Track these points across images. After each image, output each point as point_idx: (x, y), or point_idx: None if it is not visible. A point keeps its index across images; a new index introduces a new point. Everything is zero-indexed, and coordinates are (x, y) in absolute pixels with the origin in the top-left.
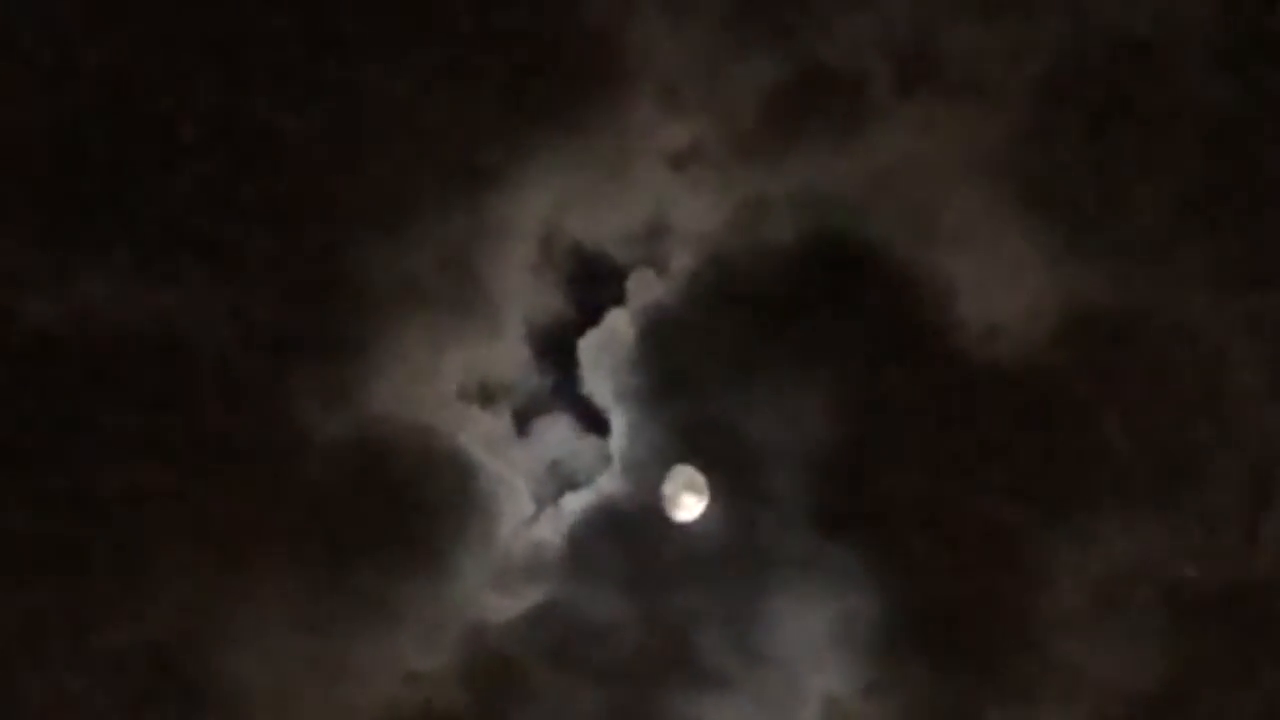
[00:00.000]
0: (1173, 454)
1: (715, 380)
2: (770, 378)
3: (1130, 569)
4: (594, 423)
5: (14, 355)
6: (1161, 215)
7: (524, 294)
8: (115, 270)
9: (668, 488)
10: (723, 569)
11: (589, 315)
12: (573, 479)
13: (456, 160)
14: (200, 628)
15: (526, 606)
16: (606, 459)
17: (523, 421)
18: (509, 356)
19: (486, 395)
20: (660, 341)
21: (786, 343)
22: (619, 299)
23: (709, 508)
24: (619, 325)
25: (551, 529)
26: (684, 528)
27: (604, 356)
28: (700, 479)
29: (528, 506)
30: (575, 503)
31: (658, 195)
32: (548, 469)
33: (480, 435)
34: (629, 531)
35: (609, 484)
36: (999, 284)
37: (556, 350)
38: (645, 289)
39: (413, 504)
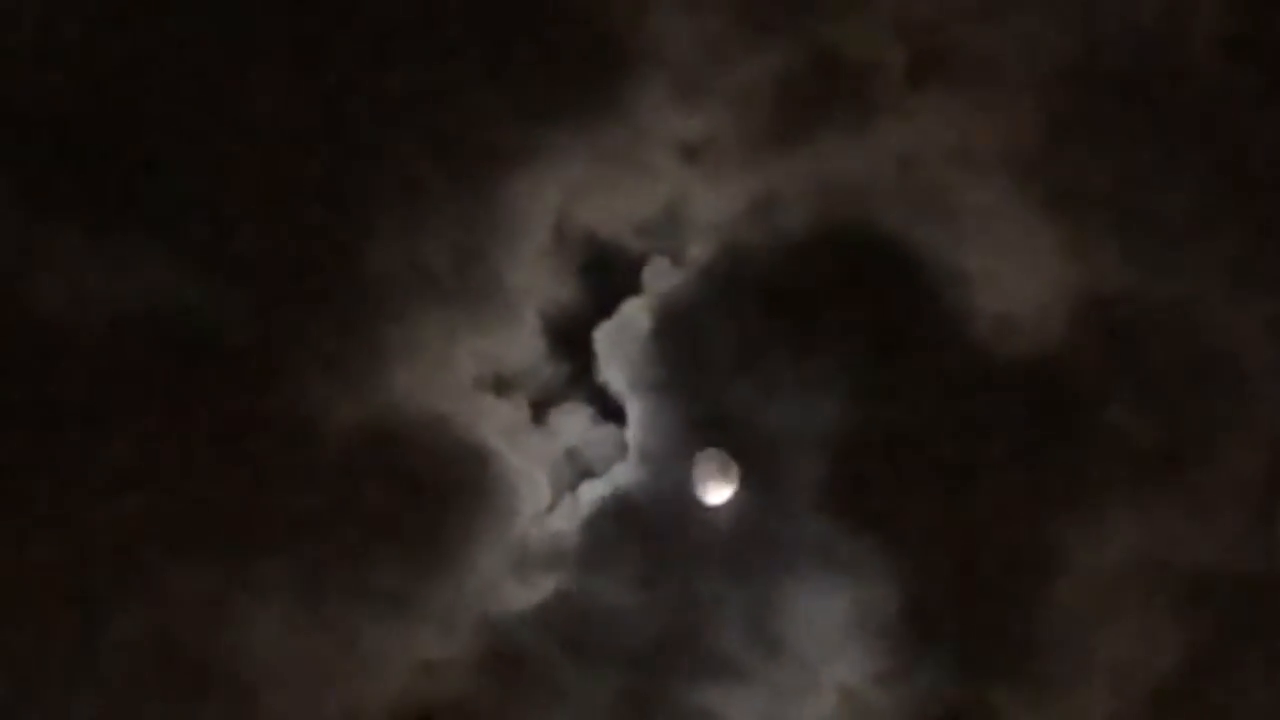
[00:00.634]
0: (1186, 443)
1: (730, 370)
2: (784, 367)
3: (1144, 556)
4: (610, 412)
5: (26, 340)
6: (1176, 206)
7: (539, 284)
8: (131, 260)
9: (698, 471)
10: (738, 558)
11: (604, 305)
12: (589, 468)
13: (471, 151)
14: (215, 615)
15: (543, 596)
16: (623, 448)
17: (539, 411)
18: (525, 346)
19: (502, 385)
20: (675, 331)
21: (801, 332)
22: (634, 288)
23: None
24: (634, 315)
25: (568, 518)
26: (699, 517)
27: (619, 346)
28: (731, 463)
29: (544, 496)
30: (592, 492)
31: (672, 185)
32: (564, 458)
33: (497, 425)
34: (645, 520)
35: (625, 473)
36: (1013, 274)
37: (572, 340)
38: (660, 279)
39: (429, 493)
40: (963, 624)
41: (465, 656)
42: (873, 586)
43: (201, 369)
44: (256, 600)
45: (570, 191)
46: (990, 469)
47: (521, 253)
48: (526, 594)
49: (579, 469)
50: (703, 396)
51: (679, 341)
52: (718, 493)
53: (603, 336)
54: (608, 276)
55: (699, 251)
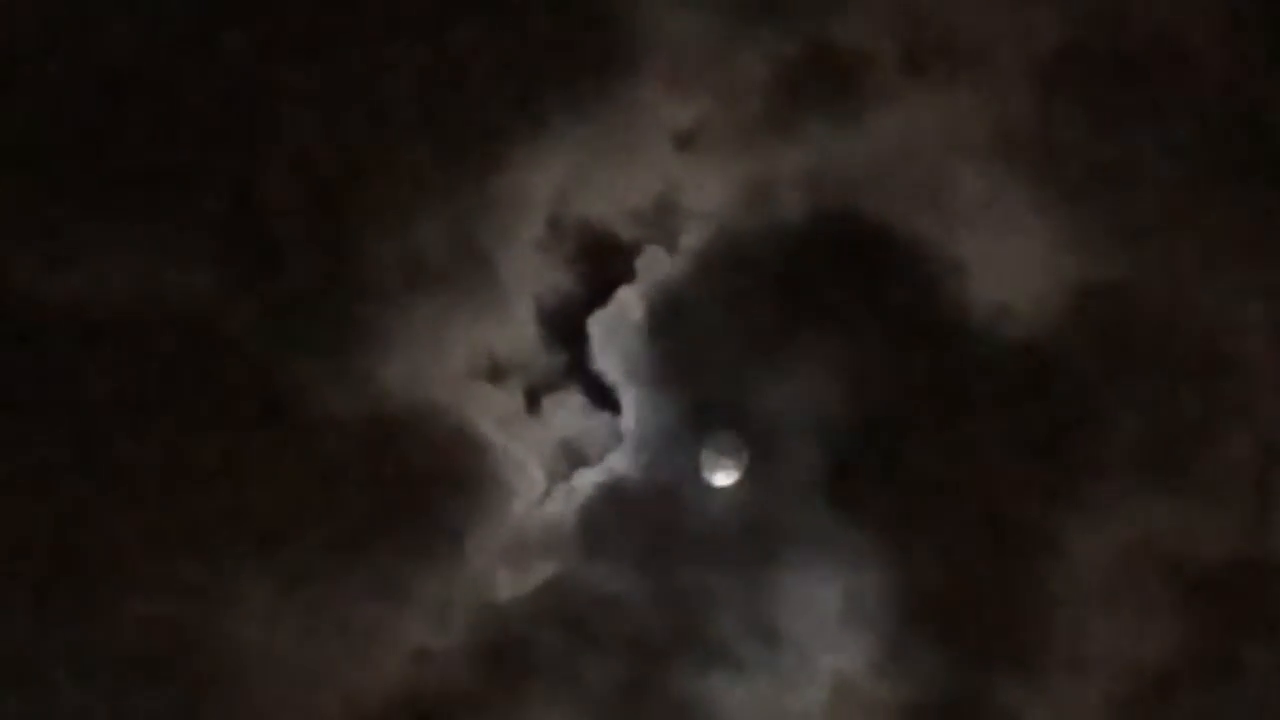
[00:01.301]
0: (1182, 432)
1: (724, 358)
2: (778, 355)
3: (1139, 545)
4: (605, 400)
5: (10, 330)
6: (1171, 194)
7: (533, 272)
8: (133, 250)
9: (705, 453)
10: (733, 546)
11: (598, 293)
12: (584, 456)
13: (465, 140)
14: (211, 602)
15: (538, 583)
16: (617, 436)
17: (534, 399)
18: (519, 334)
19: (497, 373)
20: (669, 319)
21: (794, 320)
22: (629, 277)
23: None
24: (629, 303)
25: (563, 506)
26: (694, 506)
27: (614, 334)
28: (742, 445)
29: (539, 484)
30: (586, 480)
31: (666, 173)
32: (559, 446)
33: (491, 413)
34: (640, 509)
35: (620, 461)
36: (1008, 262)
37: (566, 328)
38: (655, 267)
39: (425, 481)
40: (959, 613)
41: (460, 645)
42: (868, 575)
43: (195, 358)
44: (251, 589)
45: (565, 180)
46: (986, 457)
47: (516, 241)
48: (521, 582)
49: (573, 457)
50: (697, 384)
51: (673, 329)
52: (725, 475)
53: (597, 325)
54: (602, 264)
55: (693, 240)
